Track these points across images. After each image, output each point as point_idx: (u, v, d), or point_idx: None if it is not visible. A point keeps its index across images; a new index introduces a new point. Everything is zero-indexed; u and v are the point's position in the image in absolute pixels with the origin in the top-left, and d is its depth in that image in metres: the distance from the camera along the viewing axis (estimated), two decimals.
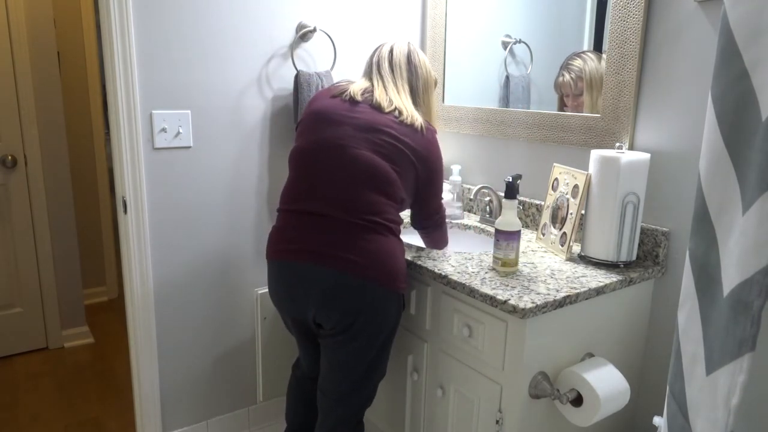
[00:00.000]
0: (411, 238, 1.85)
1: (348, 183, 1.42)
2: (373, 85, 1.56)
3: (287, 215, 1.49)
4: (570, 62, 1.74)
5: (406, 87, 1.56)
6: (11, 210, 2.68)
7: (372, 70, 1.59)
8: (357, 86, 1.56)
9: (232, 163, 1.90)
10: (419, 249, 1.67)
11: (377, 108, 1.49)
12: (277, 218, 1.55)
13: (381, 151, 1.44)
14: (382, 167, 1.43)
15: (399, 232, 1.51)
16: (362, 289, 1.40)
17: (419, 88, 1.58)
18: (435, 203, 1.60)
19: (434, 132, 1.57)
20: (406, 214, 1.71)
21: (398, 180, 1.46)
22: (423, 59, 1.61)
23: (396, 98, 1.52)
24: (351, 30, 2.05)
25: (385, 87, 1.54)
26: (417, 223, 1.62)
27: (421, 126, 1.50)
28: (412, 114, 1.50)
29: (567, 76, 1.75)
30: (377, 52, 1.61)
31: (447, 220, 1.99)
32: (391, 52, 1.58)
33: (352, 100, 1.51)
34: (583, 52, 1.72)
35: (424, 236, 1.67)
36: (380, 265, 1.41)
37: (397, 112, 1.49)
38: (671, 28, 1.45)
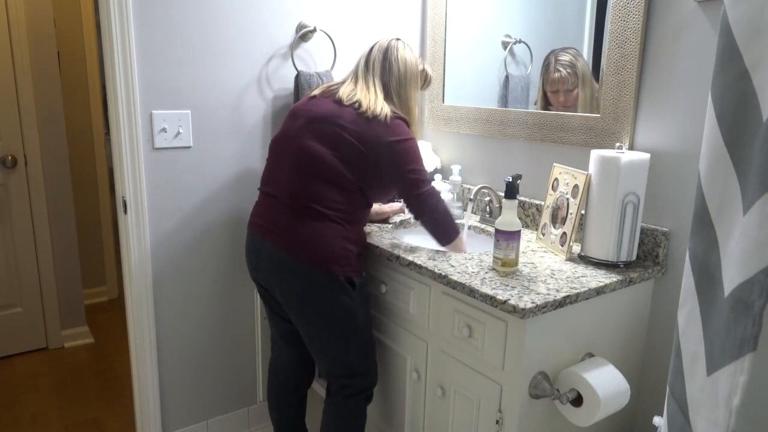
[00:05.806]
0: (415, 238, 1.85)
1: (293, 170, 1.56)
2: (345, 82, 1.66)
3: (260, 194, 1.68)
4: (559, 58, 1.74)
5: (377, 83, 1.62)
6: (11, 210, 2.68)
7: (356, 67, 1.68)
8: (325, 85, 1.69)
9: (232, 163, 1.90)
10: (435, 251, 1.64)
11: (338, 102, 1.58)
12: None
13: (324, 140, 1.54)
14: (324, 155, 1.53)
15: (344, 219, 1.55)
16: (293, 266, 1.54)
17: (392, 85, 1.63)
18: (410, 185, 1.56)
19: (402, 122, 1.58)
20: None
21: (343, 167, 1.52)
22: (403, 56, 1.64)
23: (361, 93, 1.59)
24: (351, 30, 2.05)
25: (356, 83, 1.63)
26: (410, 212, 1.63)
27: (386, 116, 1.55)
28: (373, 106, 1.56)
29: (564, 72, 1.74)
30: (366, 50, 1.69)
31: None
32: (371, 50, 1.67)
33: (314, 97, 1.65)
34: (564, 49, 1.74)
35: (425, 227, 1.61)
36: (309, 246, 1.53)
37: (357, 104, 1.56)
38: (671, 28, 1.45)
